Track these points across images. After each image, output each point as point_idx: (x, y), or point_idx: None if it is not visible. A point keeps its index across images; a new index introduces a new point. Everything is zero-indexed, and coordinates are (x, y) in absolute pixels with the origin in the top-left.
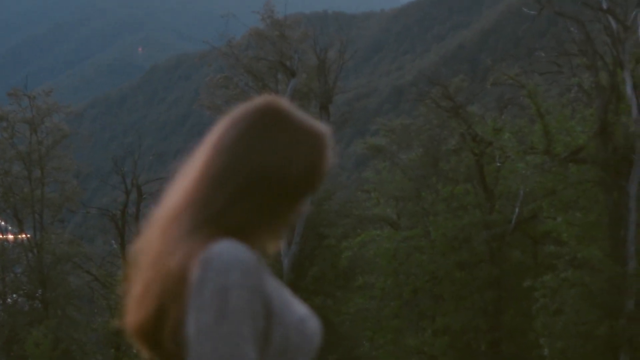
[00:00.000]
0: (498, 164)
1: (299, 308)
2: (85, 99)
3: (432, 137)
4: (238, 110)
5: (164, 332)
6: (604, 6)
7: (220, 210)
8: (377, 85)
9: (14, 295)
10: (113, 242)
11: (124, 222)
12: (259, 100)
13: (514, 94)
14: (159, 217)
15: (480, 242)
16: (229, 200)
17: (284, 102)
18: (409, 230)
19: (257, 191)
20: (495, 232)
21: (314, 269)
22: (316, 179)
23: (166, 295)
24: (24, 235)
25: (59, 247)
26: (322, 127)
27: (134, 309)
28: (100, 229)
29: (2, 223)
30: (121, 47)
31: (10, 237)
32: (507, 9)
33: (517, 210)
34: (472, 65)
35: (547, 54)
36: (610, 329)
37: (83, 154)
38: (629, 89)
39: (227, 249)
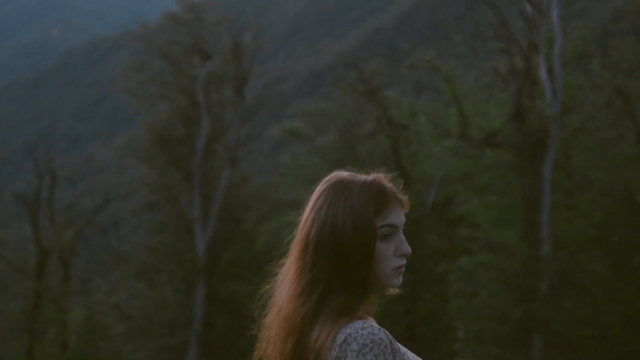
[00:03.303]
0: (414, 148)
1: None
2: (0, 82)
3: (349, 121)
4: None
5: None
6: None
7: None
8: (294, 69)
9: None
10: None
11: (38, 207)
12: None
13: (431, 78)
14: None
15: None
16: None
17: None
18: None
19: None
20: (412, 216)
21: (229, 253)
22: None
23: None
24: None
25: None
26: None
27: None
28: (14, 213)
29: None
30: (37, 29)
31: None
32: None
33: (433, 194)
34: (389, 49)
35: (463, 38)
36: (525, 312)
37: None
38: (543, 73)
39: (362, 330)
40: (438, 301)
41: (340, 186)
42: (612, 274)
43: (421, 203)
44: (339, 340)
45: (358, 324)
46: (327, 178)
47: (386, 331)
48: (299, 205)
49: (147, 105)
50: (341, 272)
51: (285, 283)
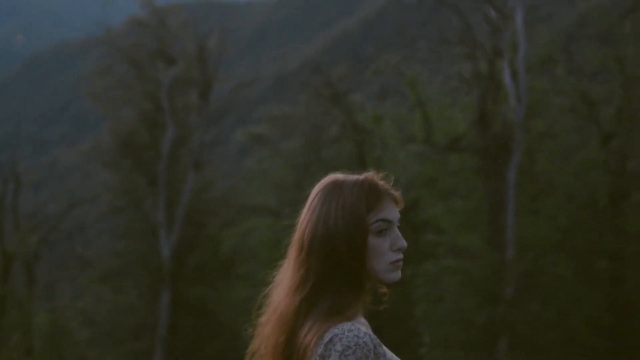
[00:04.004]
0: (379, 153)
1: None
2: None
3: (314, 126)
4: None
5: None
6: None
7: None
8: (260, 74)
9: None
10: None
11: (2, 212)
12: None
13: (396, 82)
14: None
15: None
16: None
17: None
18: (291, 219)
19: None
20: None
21: (194, 258)
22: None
23: None
24: None
25: None
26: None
27: None
28: None
29: None
30: (1, 34)
31: None
32: None
33: None
34: (355, 53)
35: (428, 43)
36: (490, 315)
37: None
38: (507, 78)
39: (348, 332)
40: (403, 306)
41: (333, 186)
42: (576, 278)
43: None
44: (326, 339)
45: (346, 325)
46: (322, 180)
47: (372, 335)
48: (265, 209)
49: (112, 110)
50: (333, 270)
51: (281, 283)
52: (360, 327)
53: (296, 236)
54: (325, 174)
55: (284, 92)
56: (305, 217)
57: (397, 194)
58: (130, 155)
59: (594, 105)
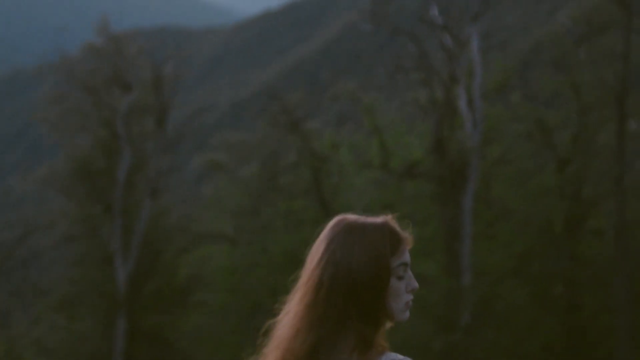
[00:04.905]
0: (335, 180)
1: None
2: None
3: (271, 153)
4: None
5: None
6: (439, 22)
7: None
8: (217, 100)
9: None
10: None
11: None
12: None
13: (353, 108)
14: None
15: None
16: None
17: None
18: (247, 246)
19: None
20: None
21: (150, 285)
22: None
23: None
24: None
25: None
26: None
27: None
28: None
29: None
30: None
31: None
32: (346, 25)
33: None
34: (311, 80)
35: (385, 69)
36: (446, 342)
37: None
38: (463, 104)
39: (402, 357)
40: None
41: (352, 228)
42: (532, 304)
43: None
44: None
45: (394, 354)
46: (335, 221)
47: None
48: (221, 236)
49: (68, 137)
50: (355, 309)
51: (289, 319)
52: (407, 357)
53: (311, 274)
54: (283, 200)
55: (241, 118)
56: (322, 256)
57: (410, 236)
58: (86, 182)
59: (549, 132)
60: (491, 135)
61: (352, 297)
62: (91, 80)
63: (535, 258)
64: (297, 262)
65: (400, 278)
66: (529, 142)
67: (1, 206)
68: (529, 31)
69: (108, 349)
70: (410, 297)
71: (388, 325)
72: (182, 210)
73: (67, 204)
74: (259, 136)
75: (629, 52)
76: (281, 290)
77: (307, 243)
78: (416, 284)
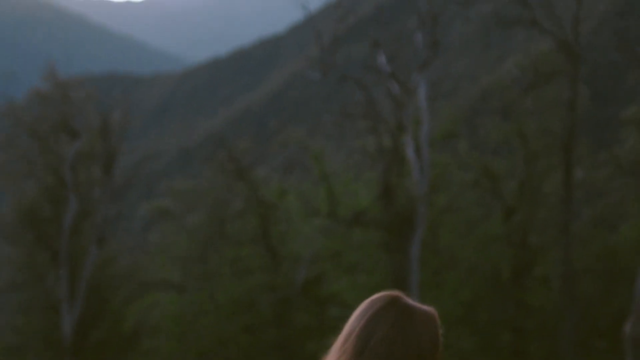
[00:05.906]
0: (283, 227)
1: None
2: None
3: (218, 200)
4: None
5: None
6: (387, 70)
7: None
8: (164, 147)
9: None
10: None
11: None
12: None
13: (300, 156)
14: None
15: (265, 305)
16: None
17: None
18: (195, 293)
19: None
20: (281, 295)
21: (97, 333)
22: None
23: None
24: None
25: None
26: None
27: None
28: None
29: None
30: None
31: None
32: (294, 73)
33: (302, 273)
34: (259, 127)
35: (332, 117)
36: None
37: None
38: (410, 152)
39: None
40: None
41: (404, 313)
42: (479, 352)
43: (290, 282)
44: None
45: None
46: (389, 298)
47: None
48: (169, 284)
49: (14, 184)
50: None
51: None
52: None
53: (354, 340)
54: (230, 247)
55: (189, 165)
56: (366, 326)
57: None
58: (32, 229)
59: (496, 180)
60: (438, 183)
61: None
62: (38, 127)
63: (482, 306)
64: (244, 310)
65: None
66: (476, 190)
67: None
68: (476, 79)
69: None
70: None
71: None
72: (129, 258)
73: (13, 251)
74: (206, 183)
75: (576, 100)
76: (227, 338)
77: (254, 290)
78: None
